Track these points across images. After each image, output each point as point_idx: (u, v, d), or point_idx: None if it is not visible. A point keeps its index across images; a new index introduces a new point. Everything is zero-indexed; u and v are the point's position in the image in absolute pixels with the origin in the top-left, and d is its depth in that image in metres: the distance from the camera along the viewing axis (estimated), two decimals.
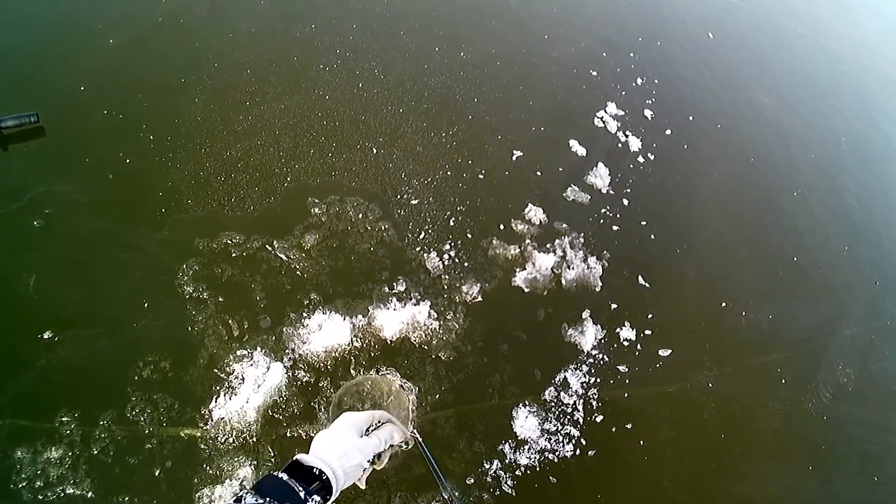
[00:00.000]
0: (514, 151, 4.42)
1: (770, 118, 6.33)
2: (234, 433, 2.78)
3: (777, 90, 6.94)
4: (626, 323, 3.82)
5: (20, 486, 2.45)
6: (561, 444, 3.20)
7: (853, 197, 5.81)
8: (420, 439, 2.36)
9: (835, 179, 5.95)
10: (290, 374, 3.00)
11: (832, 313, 4.68)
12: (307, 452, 1.68)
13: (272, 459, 2.75)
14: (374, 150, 4.00)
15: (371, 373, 3.11)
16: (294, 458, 1.63)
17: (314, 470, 1.59)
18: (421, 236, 3.69)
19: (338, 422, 1.88)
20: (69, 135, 3.58)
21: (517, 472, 3.05)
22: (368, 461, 1.84)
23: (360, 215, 3.64)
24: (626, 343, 3.74)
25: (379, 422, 2.06)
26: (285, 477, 1.50)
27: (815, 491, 3.78)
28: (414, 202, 3.83)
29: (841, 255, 5.14)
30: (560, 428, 3.26)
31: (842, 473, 3.90)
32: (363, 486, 1.98)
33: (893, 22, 11.18)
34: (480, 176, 4.15)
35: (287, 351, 3.06)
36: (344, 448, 1.73)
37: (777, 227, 5.15)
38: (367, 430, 1.97)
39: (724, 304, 4.22)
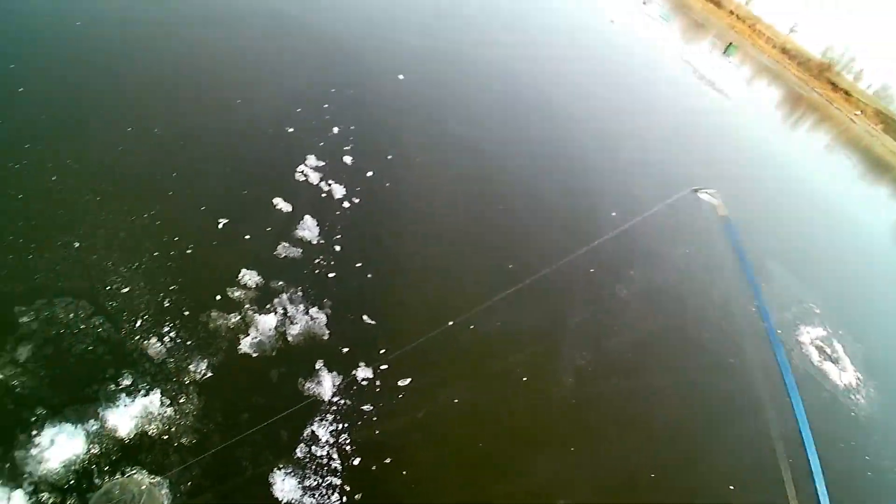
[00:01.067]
0: (220, 220, 4.57)
1: (466, 143, 7.25)
2: None
3: (469, 118, 7.97)
4: (361, 363, 4.14)
5: None
6: (326, 497, 3.38)
7: (553, 198, 6.98)
8: None
9: (534, 181, 7.08)
10: (35, 499, 2.83)
11: (559, 306, 5.43)
12: None
13: None
14: (76, 244, 3.91)
15: (117, 477, 3.03)
16: None
17: None
18: (138, 324, 3.70)
19: None
20: None
21: None
22: None
23: (72, 315, 3.55)
24: (364, 382, 4.04)
25: None
26: None
27: (587, 467, 4.33)
28: (125, 290, 3.82)
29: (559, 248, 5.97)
30: (321, 481, 3.43)
31: (602, 445, 4.51)
32: None
33: (570, 41, 13.37)
34: (189, 251, 4.23)
35: (25, 475, 2.88)
36: None
37: (488, 242, 5.93)
38: None
39: (450, 323, 4.61)
